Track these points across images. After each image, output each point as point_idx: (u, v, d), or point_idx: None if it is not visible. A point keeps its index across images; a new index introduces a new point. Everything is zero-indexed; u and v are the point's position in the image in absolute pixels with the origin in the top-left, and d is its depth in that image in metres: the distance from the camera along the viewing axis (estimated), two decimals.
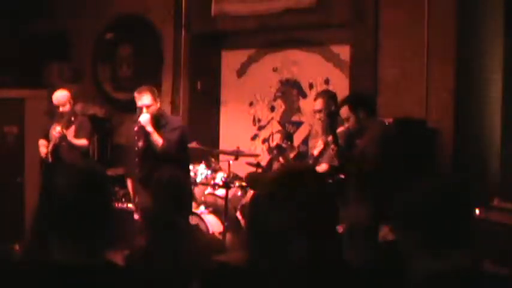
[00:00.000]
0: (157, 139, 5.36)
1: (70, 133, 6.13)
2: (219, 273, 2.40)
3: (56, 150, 6.16)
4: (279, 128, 6.96)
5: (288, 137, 6.10)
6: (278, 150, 5.80)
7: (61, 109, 6.22)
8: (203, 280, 2.44)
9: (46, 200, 1.99)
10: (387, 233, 4.52)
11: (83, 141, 6.19)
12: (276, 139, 6.14)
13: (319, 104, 5.39)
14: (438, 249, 1.90)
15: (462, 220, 1.94)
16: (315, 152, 5.44)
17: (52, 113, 6.48)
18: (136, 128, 5.46)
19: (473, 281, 1.91)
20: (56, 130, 6.11)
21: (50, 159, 6.16)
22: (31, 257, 2.43)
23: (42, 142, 6.31)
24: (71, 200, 1.93)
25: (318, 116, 5.46)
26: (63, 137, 6.07)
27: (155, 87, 7.18)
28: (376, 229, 4.55)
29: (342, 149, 4.84)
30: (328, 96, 5.46)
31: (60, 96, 6.26)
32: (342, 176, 5.01)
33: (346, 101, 4.96)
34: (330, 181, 5.19)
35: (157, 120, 5.46)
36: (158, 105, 5.62)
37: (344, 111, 4.86)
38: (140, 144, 5.46)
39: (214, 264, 2.57)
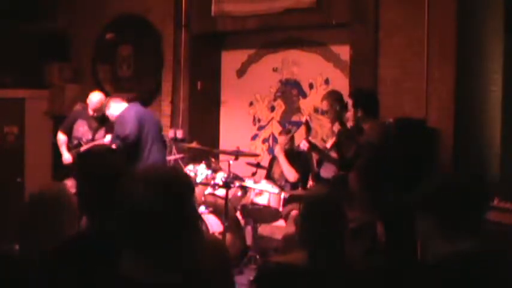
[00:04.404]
0: None
1: (100, 134, 6.34)
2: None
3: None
4: (280, 128, 6.96)
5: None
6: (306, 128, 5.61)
7: (95, 114, 6.35)
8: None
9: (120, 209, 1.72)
10: (381, 234, 4.52)
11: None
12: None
13: (325, 105, 5.46)
14: (451, 233, 2.09)
15: (473, 209, 2.14)
16: (328, 145, 5.53)
17: (81, 112, 6.59)
18: None
19: (481, 264, 2.07)
20: (107, 139, 6.22)
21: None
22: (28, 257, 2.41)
23: (62, 138, 6.42)
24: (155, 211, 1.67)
25: (325, 116, 5.67)
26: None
27: (155, 87, 7.21)
28: (372, 230, 4.56)
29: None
30: (334, 97, 5.49)
31: (96, 102, 6.36)
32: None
33: (350, 94, 5.15)
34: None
35: None
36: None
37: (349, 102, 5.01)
38: None
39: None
